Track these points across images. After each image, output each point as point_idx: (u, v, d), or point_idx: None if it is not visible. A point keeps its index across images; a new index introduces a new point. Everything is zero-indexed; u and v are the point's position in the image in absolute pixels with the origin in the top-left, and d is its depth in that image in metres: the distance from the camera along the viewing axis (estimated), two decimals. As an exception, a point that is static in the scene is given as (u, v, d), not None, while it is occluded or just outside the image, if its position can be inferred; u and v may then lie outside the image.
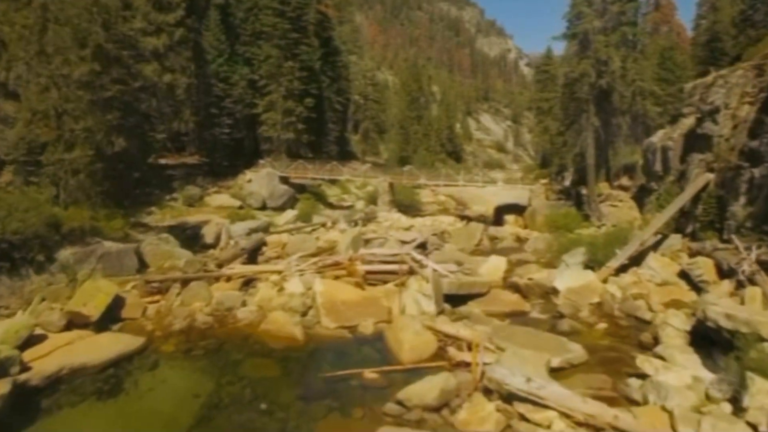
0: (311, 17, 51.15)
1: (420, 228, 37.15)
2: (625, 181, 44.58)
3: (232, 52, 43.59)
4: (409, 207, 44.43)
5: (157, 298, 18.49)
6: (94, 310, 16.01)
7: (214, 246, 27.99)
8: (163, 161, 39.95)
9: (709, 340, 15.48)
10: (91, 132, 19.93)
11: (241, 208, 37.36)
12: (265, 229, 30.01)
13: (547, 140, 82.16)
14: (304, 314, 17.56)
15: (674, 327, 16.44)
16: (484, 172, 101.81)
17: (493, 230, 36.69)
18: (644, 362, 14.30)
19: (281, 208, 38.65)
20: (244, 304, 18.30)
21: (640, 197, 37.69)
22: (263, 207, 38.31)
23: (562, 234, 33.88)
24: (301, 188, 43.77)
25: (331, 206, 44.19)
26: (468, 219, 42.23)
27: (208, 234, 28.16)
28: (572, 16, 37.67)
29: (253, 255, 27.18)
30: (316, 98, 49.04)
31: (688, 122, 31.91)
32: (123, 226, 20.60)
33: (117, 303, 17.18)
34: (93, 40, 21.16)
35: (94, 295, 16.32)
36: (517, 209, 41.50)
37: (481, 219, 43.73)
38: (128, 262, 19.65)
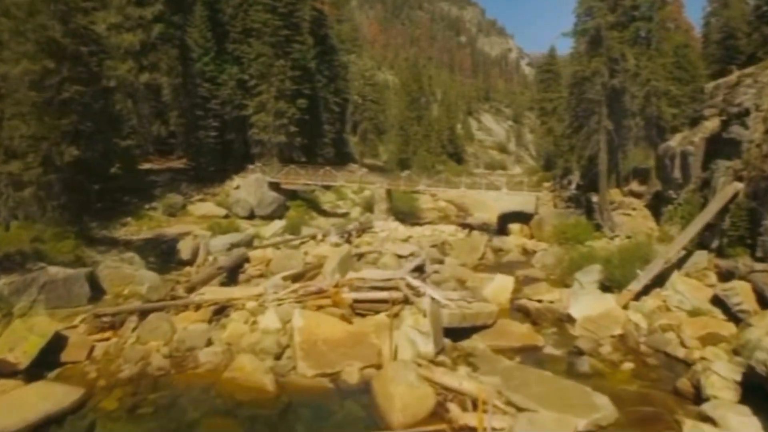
0: (305, 14, 48.29)
1: (419, 238, 34.33)
2: (635, 186, 41.69)
3: (219, 50, 40.75)
4: (407, 214, 41.62)
5: (108, 334, 15.63)
6: (23, 356, 13.20)
7: (190, 263, 25.20)
8: (148, 166, 37.21)
9: (763, 393, 12.69)
10: (37, 139, 17.07)
11: (226, 217, 34.57)
12: (249, 242, 27.16)
13: (551, 142, 79.26)
14: (278, 357, 14.71)
15: (719, 375, 13.56)
16: (486, 176, 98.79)
17: (498, 241, 33.82)
18: (693, 429, 11.42)
19: (270, 217, 35.83)
20: (209, 342, 15.43)
21: (656, 205, 34.78)
22: (251, 216, 35.49)
23: (572, 247, 31.06)
24: (293, 195, 40.96)
25: (325, 214, 41.35)
26: (470, 228, 39.37)
27: (185, 249, 25.36)
28: (582, 12, 34.77)
29: (233, 273, 24.38)
30: (309, 99, 46.20)
31: (710, 125, 28.95)
32: (73, 248, 17.69)
33: (57, 343, 14.35)
34: (43, 35, 18.31)
35: (24, 337, 13.51)
36: (522, 217, 38.62)
37: (483, 228, 40.88)
38: (78, 290, 16.79)
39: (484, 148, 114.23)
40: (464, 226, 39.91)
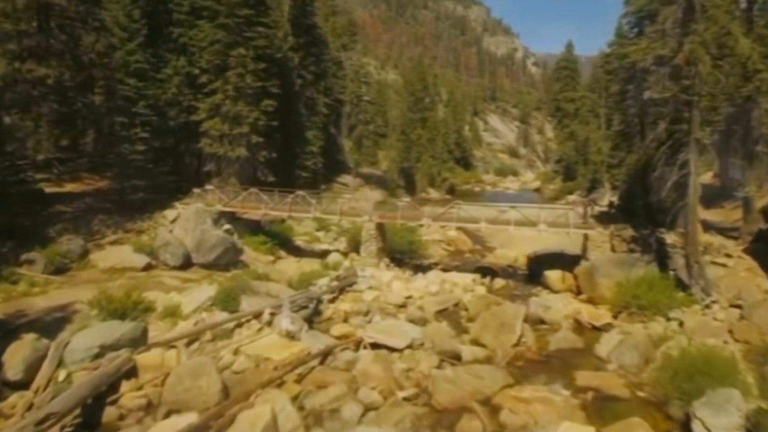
0: (280, -7, 36.93)
1: (421, 300, 22.97)
2: (710, 216, 30.25)
3: (154, 35, 29.43)
4: (407, 253, 30.16)
5: None
6: None
7: (26, 384, 13.99)
8: (59, 189, 26.10)
9: None
10: None
11: (148, 269, 23.33)
12: (140, 338, 15.79)
13: (572, 147, 67.62)
14: None
15: None
16: (497, 182, 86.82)
17: (537, 306, 22.22)
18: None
19: (215, 265, 24.55)
20: None
21: (762, 251, 23.31)
22: (185, 264, 24.22)
23: (657, 322, 19.72)
24: (256, 227, 29.70)
25: (298, 251, 29.97)
26: (492, 275, 27.96)
27: (14, 359, 14.13)
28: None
29: (95, 411, 13.19)
30: (283, 100, 34.91)
31: None
32: None
33: None
34: None
35: None
36: (564, 260, 27.08)
37: (509, 271, 29.43)
38: None
39: (493, 151, 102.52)
40: (483, 271, 28.43)
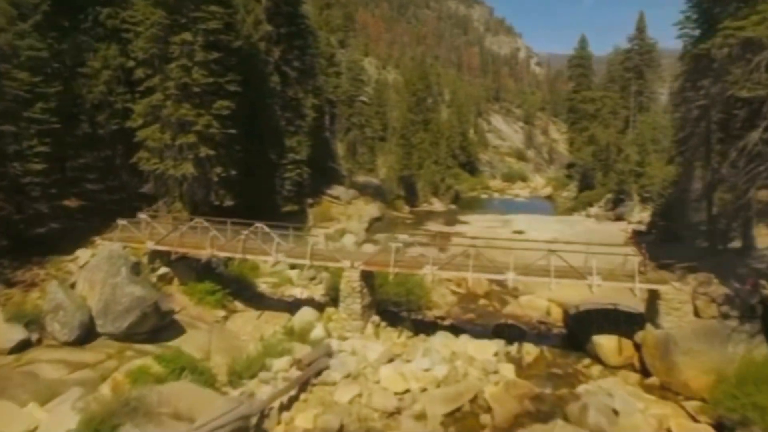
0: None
1: (424, 388, 15.08)
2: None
3: (68, 14, 21.55)
4: (403, 304, 21.99)
5: None
6: None
7: None
8: None
9: None
10: None
11: (24, 347, 15.50)
12: None
13: (590, 153, 59.28)
14: None
15: None
16: (506, 189, 78.43)
17: (601, 415, 14.21)
18: None
19: (131, 336, 16.70)
20: None
21: None
22: (86, 337, 16.38)
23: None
24: (205, 269, 21.76)
25: (260, 302, 21.99)
26: (519, 336, 20.00)
27: None
28: None
29: None
30: (250, 100, 27.06)
31: None
32: None
33: None
34: None
35: None
36: (618, 320, 19.12)
37: (542, 334, 21.42)
38: None
39: (500, 154, 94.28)
40: (507, 331, 20.43)
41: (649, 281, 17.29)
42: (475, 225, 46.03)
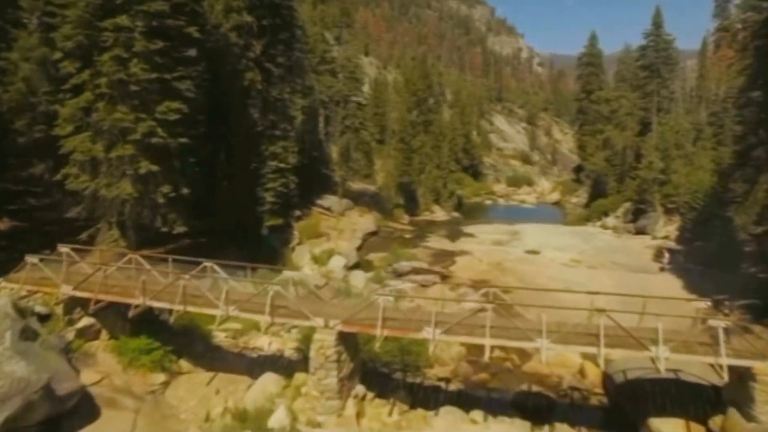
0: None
1: None
2: None
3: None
4: (396, 365, 16.80)
5: None
6: None
7: None
8: None
9: None
10: None
11: None
12: None
13: (605, 158, 53.93)
14: None
15: None
16: (511, 195, 72.96)
17: None
18: None
19: None
20: None
21: None
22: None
23: None
24: (142, 323, 16.69)
25: (213, 360, 16.90)
26: (546, 408, 14.91)
27: None
28: None
29: None
30: (217, 100, 22.06)
31: None
32: None
33: None
34: None
35: None
36: (683, 395, 14.04)
37: (574, 397, 16.26)
38: None
39: (504, 157, 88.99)
40: (532, 403, 15.32)
41: (738, 354, 12.15)
42: (481, 238, 40.97)
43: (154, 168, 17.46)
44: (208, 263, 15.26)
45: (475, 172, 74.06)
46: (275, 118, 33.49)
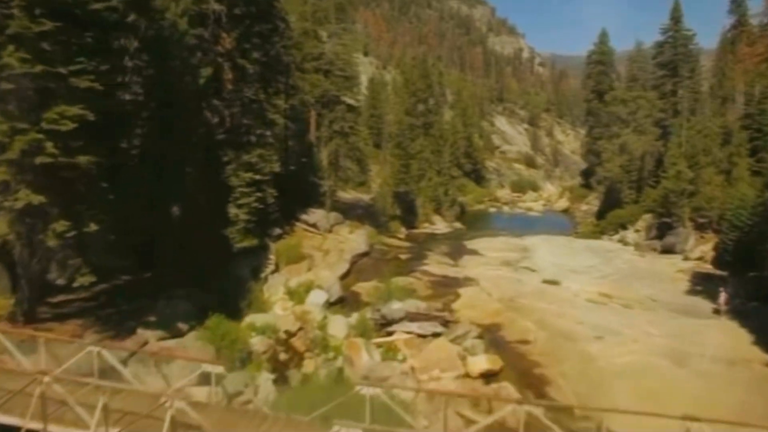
0: None
1: None
2: None
3: None
4: None
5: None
6: None
7: None
8: None
9: None
10: None
11: None
12: None
13: (622, 164, 48.27)
14: None
15: None
16: (516, 202, 67.20)
17: None
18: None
19: None
20: None
21: None
22: None
23: None
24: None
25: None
26: None
27: None
28: None
29: None
30: (161, 104, 16.72)
31: None
32: None
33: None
34: None
35: None
36: None
37: None
38: None
39: (508, 160, 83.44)
40: None
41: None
42: (488, 256, 35.60)
43: (39, 199, 12.10)
44: (93, 348, 9.91)
45: (477, 176, 68.64)
46: (250, 122, 28.28)
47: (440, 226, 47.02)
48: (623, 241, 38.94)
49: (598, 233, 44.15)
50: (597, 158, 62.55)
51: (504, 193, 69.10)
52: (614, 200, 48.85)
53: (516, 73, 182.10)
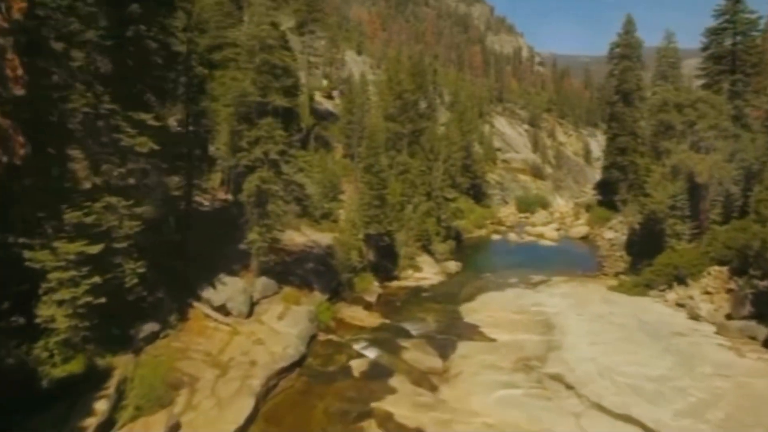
0: None
1: None
2: None
3: None
4: None
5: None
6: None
7: None
8: None
9: None
10: None
11: None
12: None
13: (675, 192, 32.98)
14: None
15: None
16: (524, 229, 51.82)
17: None
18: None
19: None
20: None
21: None
22: None
23: None
24: None
25: None
26: None
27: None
28: None
29: None
30: None
31: None
32: None
33: None
34: None
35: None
36: None
37: None
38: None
39: (512, 171, 69.60)
40: None
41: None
42: (494, 339, 22.31)
43: None
44: None
45: (477, 192, 54.96)
46: (97, 151, 15.15)
47: (429, 272, 33.52)
48: (691, 313, 25.32)
49: (642, 286, 30.53)
50: (622, 174, 48.92)
51: (508, 213, 55.38)
52: (654, 235, 35.06)
53: (516, 73, 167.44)
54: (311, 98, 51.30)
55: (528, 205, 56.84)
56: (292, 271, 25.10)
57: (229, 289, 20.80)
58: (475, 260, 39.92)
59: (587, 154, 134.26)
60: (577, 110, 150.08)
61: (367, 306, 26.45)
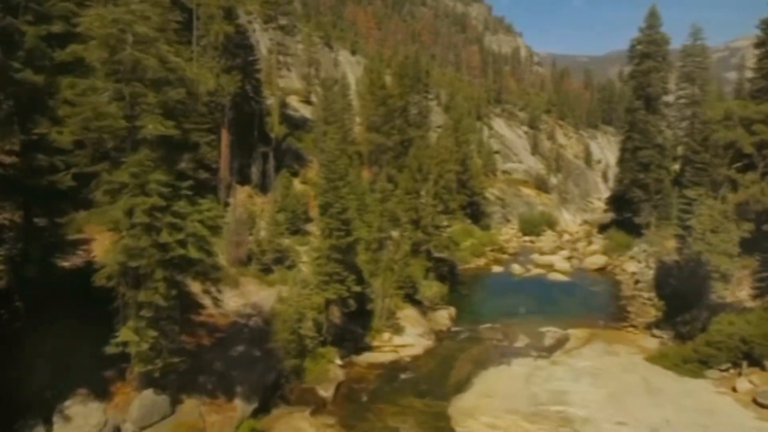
0: None
1: None
2: None
3: None
4: None
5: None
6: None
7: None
8: None
9: None
10: None
11: None
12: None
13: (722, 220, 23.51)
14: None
15: None
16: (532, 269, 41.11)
17: None
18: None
19: None
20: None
21: None
22: None
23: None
24: None
25: None
26: None
27: None
28: None
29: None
30: None
31: None
32: None
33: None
34: None
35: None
36: None
37: None
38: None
39: (513, 183, 60.62)
40: None
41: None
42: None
43: None
44: None
45: (475, 211, 46.29)
46: None
47: (412, 333, 24.91)
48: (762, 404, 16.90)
49: (695, 362, 21.95)
50: (645, 193, 40.21)
51: (511, 235, 46.76)
52: (697, 278, 26.41)
53: (515, 73, 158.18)
54: (283, 104, 42.65)
55: (533, 225, 48.10)
56: (206, 365, 16.57)
57: (73, 427, 12.26)
58: (473, 304, 31.40)
59: (588, 157, 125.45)
60: (577, 111, 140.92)
61: (319, 407, 17.94)
